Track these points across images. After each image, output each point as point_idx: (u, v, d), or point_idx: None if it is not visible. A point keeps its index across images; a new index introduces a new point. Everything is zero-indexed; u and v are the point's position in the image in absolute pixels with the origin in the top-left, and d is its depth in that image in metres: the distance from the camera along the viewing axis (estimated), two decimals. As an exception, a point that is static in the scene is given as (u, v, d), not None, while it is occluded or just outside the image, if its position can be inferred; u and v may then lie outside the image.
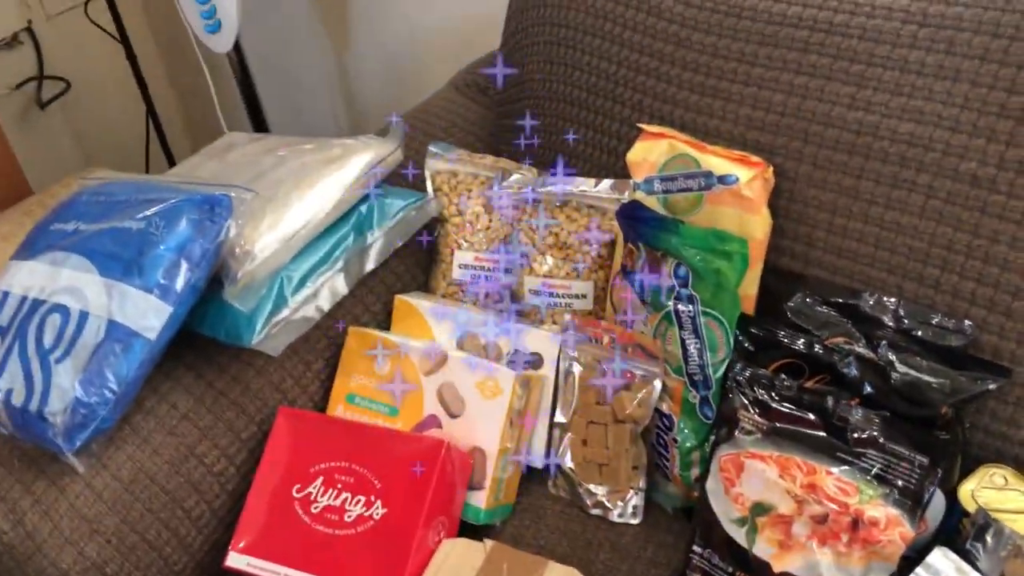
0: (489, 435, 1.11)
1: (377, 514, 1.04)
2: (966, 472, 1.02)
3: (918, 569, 0.90)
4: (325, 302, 1.15)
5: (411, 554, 1.01)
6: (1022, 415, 1.02)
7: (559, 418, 1.17)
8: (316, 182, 1.17)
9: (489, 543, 1.04)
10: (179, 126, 2.58)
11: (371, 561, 1.02)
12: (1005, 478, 1.02)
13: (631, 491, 1.13)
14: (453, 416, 1.13)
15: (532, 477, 1.20)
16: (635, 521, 1.13)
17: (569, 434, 1.16)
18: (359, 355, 1.19)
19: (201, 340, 1.12)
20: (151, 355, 1.02)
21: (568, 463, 1.16)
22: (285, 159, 1.22)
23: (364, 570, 1.02)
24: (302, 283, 1.13)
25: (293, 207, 1.13)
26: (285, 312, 1.11)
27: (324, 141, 1.26)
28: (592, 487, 1.14)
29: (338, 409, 1.19)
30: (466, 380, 1.13)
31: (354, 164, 1.21)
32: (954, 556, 0.93)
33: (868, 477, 0.93)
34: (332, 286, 1.17)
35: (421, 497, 1.03)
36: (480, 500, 1.11)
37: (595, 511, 1.15)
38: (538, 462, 1.18)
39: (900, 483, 0.92)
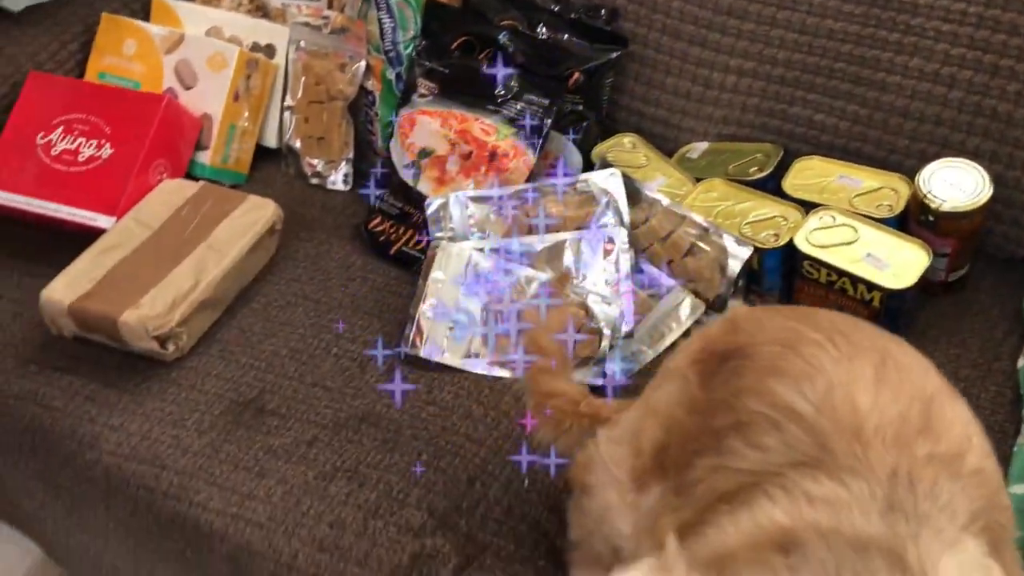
0: (216, 102, 1.28)
1: (105, 154, 1.21)
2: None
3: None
4: (74, -18, 1.29)
5: (128, 185, 1.18)
6: (650, 92, 1.23)
7: (288, 102, 1.34)
8: None
9: (201, 183, 1.21)
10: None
11: (97, 190, 1.19)
12: (634, 144, 1.23)
13: (343, 161, 1.31)
14: (188, 88, 1.29)
15: (267, 159, 1.37)
16: (345, 188, 1.32)
17: (295, 117, 1.33)
18: (110, 38, 1.33)
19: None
20: None
21: (295, 143, 1.33)
22: None
23: (91, 198, 1.18)
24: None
25: None
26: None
27: None
28: (312, 160, 1.32)
29: (91, 86, 1.34)
30: (199, 57, 1.29)
31: None
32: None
33: (505, 121, 1.13)
34: (82, -31, 1.30)
35: (142, 141, 1.20)
36: (206, 158, 1.28)
37: (314, 180, 1.33)
38: (272, 143, 1.36)
39: (527, 123, 1.12)
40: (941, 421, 0.59)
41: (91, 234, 1.15)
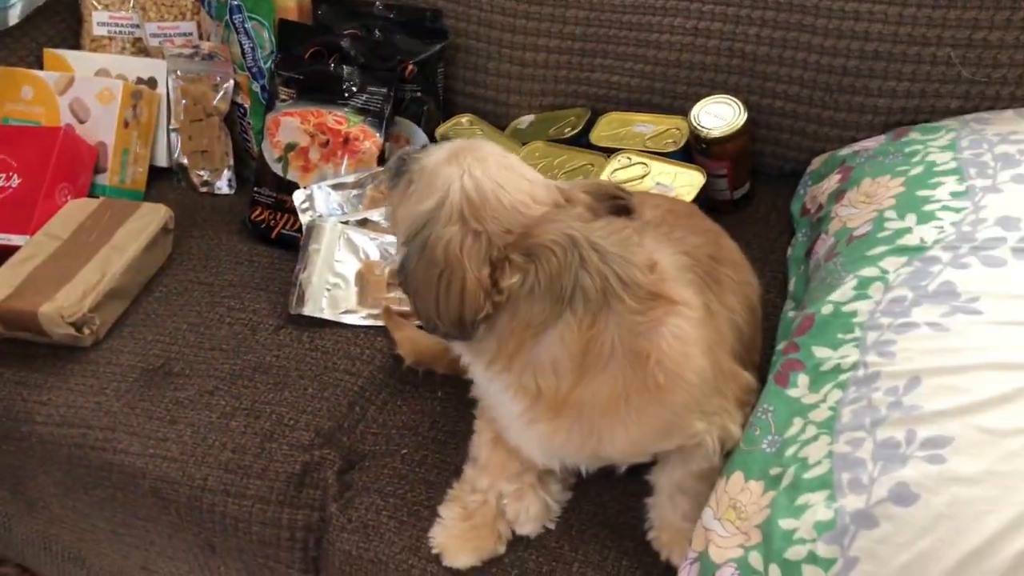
0: (108, 131, 1.47)
1: (14, 184, 1.39)
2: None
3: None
4: (-32, 42, 1.47)
5: (37, 207, 1.36)
6: (478, 77, 1.45)
7: (173, 124, 1.53)
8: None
9: (102, 199, 1.40)
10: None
11: (10, 215, 1.37)
12: (471, 121, 1.45)
13: (225, 169, 1.51)
14: (82, 122, 1.48)
15: (161, 177, 1.56)
16: (230, 191, 1.51)
17: (180, 136, 1.52)
18: (8, 87, 1.51)
19: None
20: None
21: (183, 159, 1.52)
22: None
23: (5, 222, 1.36)
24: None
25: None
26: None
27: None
28: (199, 172, 1.52)
29: (-4, 131, 1.52)
30: (89, 93, 1.48)
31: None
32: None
33: (354, 111, 1.34)
34: (-25, 31, 1.48)
35: (45, 168, 1.38)
36: (106, 180, 1.47)
37: (203, 189, 1.52)
38: (163, 162, 1.55)
39: (372, 110, 1.33)
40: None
41: (8, 253, 1.32)
